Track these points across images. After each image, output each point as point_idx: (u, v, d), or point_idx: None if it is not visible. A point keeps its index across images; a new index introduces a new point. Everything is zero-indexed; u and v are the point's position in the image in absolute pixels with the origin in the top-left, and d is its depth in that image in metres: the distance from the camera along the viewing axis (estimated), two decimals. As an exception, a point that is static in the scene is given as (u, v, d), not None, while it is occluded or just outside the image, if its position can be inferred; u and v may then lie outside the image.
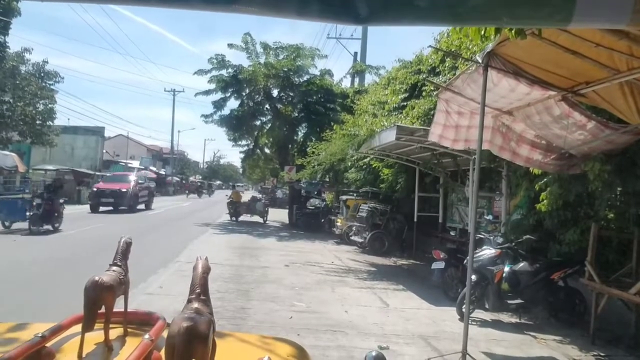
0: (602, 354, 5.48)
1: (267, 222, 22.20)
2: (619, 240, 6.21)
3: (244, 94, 22.20)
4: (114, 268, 1.55)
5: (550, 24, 1.64)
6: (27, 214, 13.26)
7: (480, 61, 4.46)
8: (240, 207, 22.59)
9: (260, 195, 29.65)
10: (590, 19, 1.19)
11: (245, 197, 25.69)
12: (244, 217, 22.41)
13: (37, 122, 25.84)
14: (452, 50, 8.86)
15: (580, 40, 3.60)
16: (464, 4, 1.11)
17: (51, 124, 27.61)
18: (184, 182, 57.50)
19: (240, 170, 59.34)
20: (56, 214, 13.59)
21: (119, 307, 1.56)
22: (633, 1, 1.08)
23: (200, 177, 67.40)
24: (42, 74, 26.49)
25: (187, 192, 49.85)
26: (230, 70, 21.41)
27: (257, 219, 22.41)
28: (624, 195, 5.98)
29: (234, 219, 22.10)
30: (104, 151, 44.30)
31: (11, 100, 24.17)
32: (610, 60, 3.84)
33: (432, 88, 9.82)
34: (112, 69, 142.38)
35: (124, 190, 22.78)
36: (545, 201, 6.31)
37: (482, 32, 3.60)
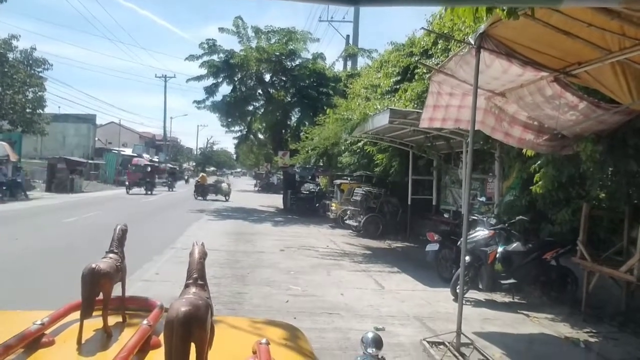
0: (593, 331, 5.59)
1: (229, 200, 25.76)
2: (610, 219, 6.29)
3: (236, 79, 22.01)
4: (111, 255, 1.56)
5: (543, 2, 1.63)
6: None
7: (473, 43, 4.44)
8: (206, 188, 26.27)
9: (224, 178, 35.36)
10: None
11: (245, 184, 26.80)
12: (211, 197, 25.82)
13: (27, 110, 25.53)
14: (445, 32, 8.82)
15: (572, 21, 3.59)
16: None
17: (41, 112, 27.29)
18: (126, 168, 35.22)
19: (234, 156, 58.91)
20: None
21: (116, 293, 1.57)
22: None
23: (194, 164, 65.06)
24: (31, 61, 26.10)
25: (127, 184, 29.16)
26: (221, 55, 21.20)
27: (221, 197, 26.13)
28: (615, 175, 6.03)
29: (200, 197, 25.34)
30: (96, 139, 43.98)
31: (0, 89, 23.83)
32: (602, 40, 3.84)
33: (424, 70, 9.78)
34: (102, 56, 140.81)
35: None
36: (540, 183, 6.35)
37: (474, 13, 3.58)
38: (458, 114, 5.99)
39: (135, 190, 28.50)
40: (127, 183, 29.43)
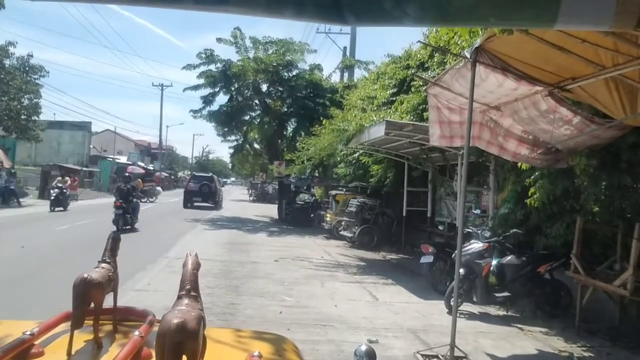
0: (586, 345, 5.58)
1: (155, 201, 29.38)
2: (604, 233, 6.31)
3: (233, 89, 22.06)
4: (103, 265, 1.54)
5: (536, 24, 1.67)
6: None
7: (469, 57, 4.49)
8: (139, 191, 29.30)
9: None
10: (574, 21, 1.22)
11: (238, 193, 26.69)
12: None
13: (22, 117, 25.37)
14: (441, 45, 8.89)
15: (567, 37, 3.64)
16: (451, 5, 1.12)
17: (37, 119, 27.12)
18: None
19: (230, 166, 58.71)
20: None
21: (108, 304, 1.56)
22: (615, 3, 1.10)
23: (189, 172, 64.54)
24: (27, 68, 26.01)
25: None
26: (219, 65, 21.25)
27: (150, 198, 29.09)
28: (609, 189, 6.07)
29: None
30: (91, 146, 43.83)
31: (-4, 95, 23.76)
32: (596, 56, 3.89)
33: (421, 83, 9.86)
34: (98, 63, 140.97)
35: None
36: (535, 196, 6.37)
37: (470, 28, 3.63)
38: (462, 131, 5.95)
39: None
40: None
